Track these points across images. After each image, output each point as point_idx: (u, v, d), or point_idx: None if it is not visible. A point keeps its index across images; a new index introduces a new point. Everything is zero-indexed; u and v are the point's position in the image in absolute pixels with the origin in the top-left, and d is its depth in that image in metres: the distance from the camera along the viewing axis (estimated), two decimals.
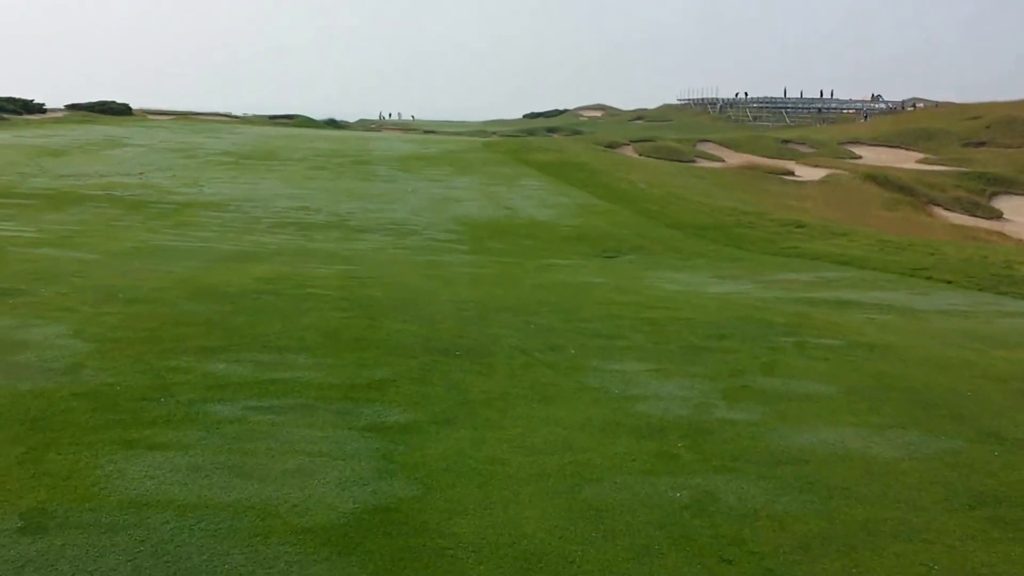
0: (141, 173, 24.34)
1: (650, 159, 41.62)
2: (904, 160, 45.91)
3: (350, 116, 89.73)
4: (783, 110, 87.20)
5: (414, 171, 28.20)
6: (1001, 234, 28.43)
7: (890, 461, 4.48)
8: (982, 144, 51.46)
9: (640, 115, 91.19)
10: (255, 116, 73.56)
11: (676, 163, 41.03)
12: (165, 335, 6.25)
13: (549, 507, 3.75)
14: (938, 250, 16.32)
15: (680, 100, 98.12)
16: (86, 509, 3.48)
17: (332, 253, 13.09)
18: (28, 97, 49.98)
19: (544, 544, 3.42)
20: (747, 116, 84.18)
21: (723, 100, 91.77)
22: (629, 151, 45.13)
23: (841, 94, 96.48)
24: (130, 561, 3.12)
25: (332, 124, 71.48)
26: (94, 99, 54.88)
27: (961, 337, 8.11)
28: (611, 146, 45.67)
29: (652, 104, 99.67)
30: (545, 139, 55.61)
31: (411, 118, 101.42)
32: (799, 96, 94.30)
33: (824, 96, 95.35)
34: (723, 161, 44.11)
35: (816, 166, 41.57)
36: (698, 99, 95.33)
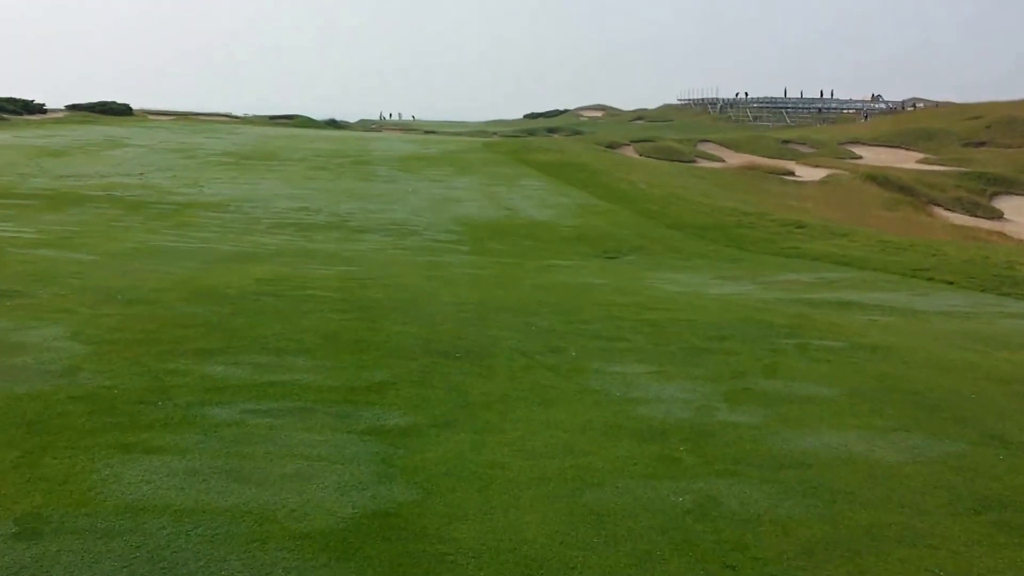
0: (141, 174, 24.31)
1: (650, 159, 41.62)
2: (904, 160, 45.90)
3: (350, 116, 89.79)
4: (783, 110, 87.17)
5: (414, 171, 28.18)
6: (1002, 234, 28.39)
7: (894, 465, 4.44)
8: (982, 144, 51.47)
9: (640, 115, 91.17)
10: (255, 116, 73.53)
11: (676, 163, 41.02)
12: (163, 337, 6.22)
13: (550, 512, 3.71)
14: (939, 251, 16.29)
15: (680, 100, 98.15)
16: (82, 514, 3.44)
17: (332, 254, 13.06)
18: (28, 97, 50.16)
19: (545, 549, 3.38)
20: (747, 116, 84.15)
21: (723, 100, 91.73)
22: (629, 151, 45.14)
23: (841, 94, 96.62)
24: (126, 567, 3.08)
25: (332, 124, 71.46)
26: (94, 99, 55.07)
27: (963, 338, 8.07)
28: (611, 146, 45.68)
29: (652, 104, 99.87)
30: (545, 139, 55.60)
31: (411, 118, 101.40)
32: (799, 96, 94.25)
33: (824, 96, 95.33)
34: (723, 161, 44.11)
35: (816, 166, 41.57)
36: (698, 99, 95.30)
